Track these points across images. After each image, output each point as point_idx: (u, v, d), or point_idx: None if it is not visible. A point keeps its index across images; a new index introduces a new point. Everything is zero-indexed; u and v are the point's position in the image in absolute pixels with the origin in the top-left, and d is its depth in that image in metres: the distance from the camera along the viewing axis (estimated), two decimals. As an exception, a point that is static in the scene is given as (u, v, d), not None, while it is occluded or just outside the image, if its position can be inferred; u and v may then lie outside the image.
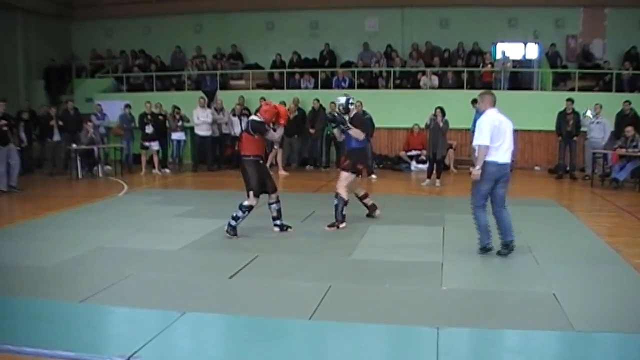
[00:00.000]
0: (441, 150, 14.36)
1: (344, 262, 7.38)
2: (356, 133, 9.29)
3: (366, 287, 6.39)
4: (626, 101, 15.63)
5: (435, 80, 18.79)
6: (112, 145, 17.71)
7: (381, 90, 18.94)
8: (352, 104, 9.64)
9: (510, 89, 18.35)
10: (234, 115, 18.05)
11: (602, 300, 5.91)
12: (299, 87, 19.44)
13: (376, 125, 16.30)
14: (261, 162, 8.82)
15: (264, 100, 17.46)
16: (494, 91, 17.62)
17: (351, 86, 18.98)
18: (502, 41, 19.67)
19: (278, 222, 9.06)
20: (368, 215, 10.01)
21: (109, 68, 21.93)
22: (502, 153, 7.35)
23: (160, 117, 17.23)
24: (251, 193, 8.61)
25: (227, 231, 8.65)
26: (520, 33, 19.82)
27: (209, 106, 17.95)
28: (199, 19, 22.13)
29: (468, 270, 6.96)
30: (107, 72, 21.74)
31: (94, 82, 21.33)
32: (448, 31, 20.47)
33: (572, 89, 17.82)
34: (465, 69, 18.79)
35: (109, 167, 17.20)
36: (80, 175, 15.76)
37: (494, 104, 7.59)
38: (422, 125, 16.62)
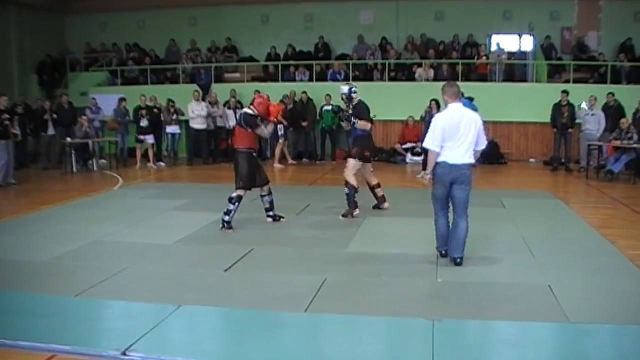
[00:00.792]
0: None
1: (340, 255, 7.38)
2: (363, 125, 9.35)
3: (362, 280, 6.39)
4: (609, 93, 15.71)
5: (431, 72, 18.77)
6: (107, 139, 17.70)
7: (376, 83, 18.92)
8: (355, 92, 9.49)
9: (505, 81, 18.37)
10: (229, 108, 18.04)
11: (598, 292, 5.92)
12: (294, 80, 19.41)
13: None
14: (254, 155, 8.85)
15: (259, 93, 17.57)
16: (490, 83, 18.03)
17: (346, 79, 18.96)
18: (497, 34, 19.65)
19: (271, 213, 9.18)
20: (375, 207, 10.04)
21: (104, 62, 21.84)
22: (457, 154, 6.71)
23: (155, 110, 17.20)
24: (240, 187, 8.72)
25: (222, 228, 8.67)
26: (516, 25, 19.79)
27: (203, 100, 17.93)
28: (194, 12, 22.05)
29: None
30: (101, 66, 21.65)
31: (88, 76, 21.23)
32: (443, 24, 20.45)
33: (567, 81, 17.82)
34: (461, 62, 18.77)
35: (104, 161, 17.17)
36: (75, 170, 15.73)
37: (458, 98, 6.92)
38: (418, 118, 16.65)
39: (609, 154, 14.53)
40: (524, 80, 18.73)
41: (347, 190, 9.36)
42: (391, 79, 19.08)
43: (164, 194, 12.08)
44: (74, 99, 18.79)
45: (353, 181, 9.33)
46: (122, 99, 17.70)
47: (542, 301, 5.66)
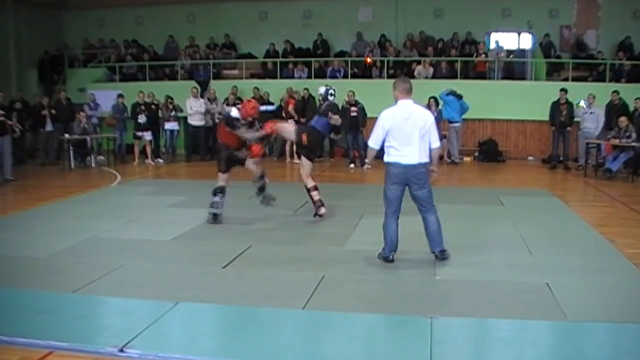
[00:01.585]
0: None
1: (338, 252, 7.38)
2: (335, 120, 9.37)
3: (359, 277, 6.39)
4: (614, 91, 15.70)
5: (430, 70, 18.76)
6: (105, 135, 17.66)
7: (375, 80, 18.90)
8: (331, 94, 9.53)
9: (504, 79, 18.36)
10: (227, 105, 17.97)
11: (595, 290, 5.93)
12: (293, 77, 19.39)
13: (369, 115, 16.28)
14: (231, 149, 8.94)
15: (257, 89, 17.58)
16: (488, 81, 18.02)
17: (345, 76, 18.97)
18: (496, 31, 19.65)
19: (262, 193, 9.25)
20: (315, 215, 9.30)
21: (102, 58, 21.81)
22: (410, 153, 6.52)
23: (153, 106, 17.17)
24: (219, 173, 8.97)
25: (208, 221, 8.81)
26: (514, 23, 19.78)
27: (202, 96, 17.90)
28: (192, 8, 22.02)
29: (461, 260, 6.96)
30: (99, 62, 21.63)
31: (86, 72, 21.22)
32: (442, 21, 20.44)
33: (566, 79, 17.84)
34: (459, 59, 18.76)
35: (101, 157, 17.14)
36: (72, 166, 15.71)
37: (406, 93, 6.71)
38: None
39: (607, 152, 14.53)
40: (522, 78, 18.72)
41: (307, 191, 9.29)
42: (390, 76, 19.03)
43: (161, 191, 12.07)
44: (72, 95, 18.77)
45: (309, 182, 9.18)
46: (120, 95, 17.67)
47: (540, 299, 5.66)
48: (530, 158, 17.91)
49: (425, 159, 6.61)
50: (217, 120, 17.95)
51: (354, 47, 20.40)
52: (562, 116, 15.72)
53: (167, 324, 5.07)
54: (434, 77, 18.53)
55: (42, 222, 9.03)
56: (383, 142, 6.72)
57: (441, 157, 16.59)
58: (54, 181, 13.77)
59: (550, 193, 11.85)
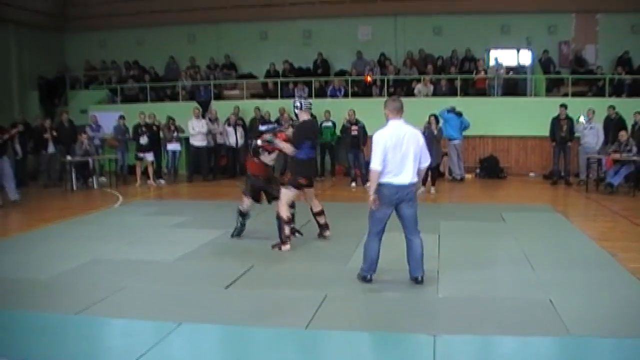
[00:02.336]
0: (436, 158, 14.37)
1: (340, 271, 7.37)
2: (285, 147, 8.52)
3: (362, 296, 6.39)
4: (610, 106, 15.76)
5: (430, 88, 18.82)
6: (106, 156, 17.72)
7: (375, 99, 18.93)
8: (298, 107, 8.46)
9: (503, 95, 18.41)
10: (229, 125, 18.06)
11: (598, 305, 5.91)
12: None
13: (370, 134, 16.33)
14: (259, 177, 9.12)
15: (258, 109, 17.61)
16: (488, 98, 18.05)
17: (345, 95, 19.04)
18: (495, 48, 19.75)
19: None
20: (319, 235, 9.20)
21: (103, 79, 21.92)
22: (404, 173, 6.46)
23: (155, 127, 17.22)
24: (244, 196, 9.21)
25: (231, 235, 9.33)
26: (513, 39, 19.88)
27: (203, 116, 17.96)
28: (192, 29, 22.14)
29: (464, 277, 6.96)
30: (101, 84, 21.73)
31: (88, 94, 21.31)
32: (441, 38, 20.53)
33: (566, 95, 17.90)
34: (459, 76, 18.83)
35: (103, 179, 17.18)
36: (75, 187, 15.73)
37: (397, 113, 6.67)
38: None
39: (608, 167, 14.54)
40: (522, 94, 18.78)
41: (278, 222, 8.46)
42: (390, 95, 19.08)
43: (163, 211, 12.08)
44: (74, 117, 18.84)
45: (283, 212, 8.39)
46: (122, 117, 17.73)
47: (543, 315, 5.65)
48: (531, 174, 17.91)
49: (416, 178, 6.60)
50: (219, 141, 18.05)
51: (354, 65, 20.48)
52: (562, 131, 15.75)
53: (170, 345, 5.07)
54: (434, 94, 18.59)
55: (44, 243, 9.04)
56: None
57: (442, 175, 16.63)
58: (56, 203, 13.79)
59: (552, 208, 11.86)
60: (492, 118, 17.57)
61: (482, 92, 18.70)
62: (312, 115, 8.92)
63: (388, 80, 19.28)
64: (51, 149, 16.78)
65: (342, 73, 20.59)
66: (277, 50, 21.17)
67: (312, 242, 9.00)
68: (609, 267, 7.38)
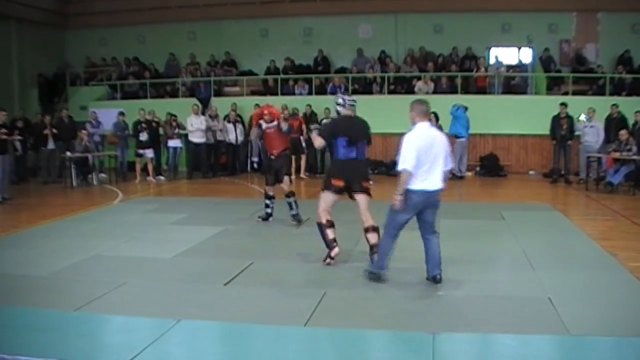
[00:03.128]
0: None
1: (339, 269, 7.36)
2: (313, 139, 8.06)
3: (361, 293, 6.38)
4: (613, 105, 15.74)
5: (431, 85, 18.81)
6: (106, 153, 17.69)
7: (375, 96, 18.96)
8: (341, 104, 7.71)
9: (504, 93, 18.41)
10: (229, 122, 18.06)
11: (598, 304, 5.91)
12: (293, 94, 19.46)
13: (371, 131, 16.34)
14: (270, 156, 10.03)
15: (258, 106, 17.61)
16: (488, 96, 18.05)
17: (345, 92, 19.00)
18: (496, 46, 19.77)
19: (292, 212, 10.01)
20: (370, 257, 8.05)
21: (103, 76, 21.91)
22: (433, 178, 6.32)
23: (154, 124, 17.21)
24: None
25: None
26: (514, 38, 19.90)
27: (203, 113, 17.95)
28: (193, 26, 22.14)
29: (463, 275, 6.95)
30: (101, 80, 21.73)
31: (88, 90, 21.31)
32: (442, 36, 20.53)
33: (566, 93, 17.91)
34: (459, 74, 18.82)
35: (103, 175, 17.17)
36: (74, 184, 15.72)
37: (424, 116, 6.42)
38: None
39: (608, 166, 14.54)
40: (523, 92, 18.77)
41: (318, 228, 7.74)
42: (390, 92, 19.12)
43: (163, 208, 12.07)
44: (74, 113, 18.84)
45: (321, 217, 7.62)
46: (122, 113, 17.72)
47: (542, 313, 5.65)
48: (531, 172, 17.91)
49: (443, 184, 6.48)
50: (219, 138, 18.04)
51: (355, 63, 20.48)
52: (562, 130, 15.74)
53: (169, 341, 5.06)
54: (434, 92, 18.57)
55: (44, 240, 9.04)
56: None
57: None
58: (55, 199, 13.78)
59: (551, 207, 11.85)
60: (492, 116, 17.57)
61: (483, 91, 18.69)
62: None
63: (388, 78, 19.27)
64: (51, 145, 16.76)
65: (342, 70, 20.60)
66: (278, 48, 21.17)
67: (311, 239, 8.97)
68: (609, 266, 7.38)
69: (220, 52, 21.69)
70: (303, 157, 17.39)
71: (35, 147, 17.05)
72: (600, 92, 17.74)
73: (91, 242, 8.72)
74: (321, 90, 19.45)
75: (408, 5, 20.43)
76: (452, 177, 16.80)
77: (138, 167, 16.90)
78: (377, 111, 17.18)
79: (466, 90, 18.58)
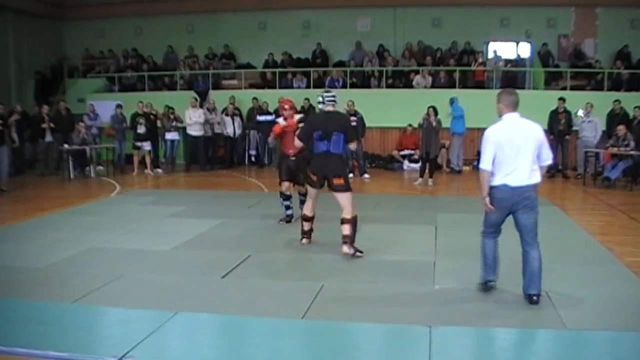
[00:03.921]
0: (434, 150, 14.39)
1: (337, 261, 7.37)
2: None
3: (359, 286, 6.38)
4: (616, 100, 15.73)
5: (429, 79, 18.80)
6: (104, 145, 17.67)
7: (373, 90, 18.95)
8: (320, 102, 7.82)
9: (502, 87, 18.34)
10: (227, 115, 18.05)
11: (595, 299, 5.92)
12: (292, 87, 19.43)
13: (368, 125, 16.36)
14: (288, 158, 9.34)
15: (256, 99, 17.56)
16: (487, 90, 18.05)
17: (344, 86, 19.01)
18: (495, 40, 19.77)
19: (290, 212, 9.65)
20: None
21: (101, 68, 21.87)
22: (519, 173, 5.70)
23: (152, 117, 17.19)
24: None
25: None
26: (513, 32, 19.90)
27: (201, 106, 17.93)
28: (191, 19, 22.11)
29: (460, 269, 6.96)
30: (99, 73, 21.69)
31: (86, 83, 21.28)
32: (440, 31, 20.53)
33: (564, 88, 17.90)
34: (458, 69, 18.81)
35: (101, 168, 17.16)
36: (72, 176, 15.70)
37: (514, 107, 5.92)
38: (416, 125, 16.68)
39: (606, 161, 14.56)
40: (521, 87, 18.76)
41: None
42: (388, 86, 19.11)
43: (161, 201, 12.07)
44: (71, 105, 18.81)
45: (306, 209, 8.14)
46: (119, 106, 17.70)
47: (540, 308, 5.65)
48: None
49: (536, 180, 5.78)
50: (216, 131, 18.02)
51: (353, 57, 20.46)
52: (560, 125, 15.75)
53: (166, 334, 5.07)
54: (432, 86, 18.59)
55: (41, 232, 9.03)
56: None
57: (440, 167, 16.64)
58: (53, 192, 13.76)
59: (549, 202, 11.84)
60: (490, 110, 17.20)
61: (481, 85, 18.68)
62: (356, 112, 8.23)
63: (387, 72, 19.26)
64: (48, 137, 16.72)
65: (341, 64, 20.57)
66: (276, 41, 21.17)
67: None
68: (606, 261, 7.40)
69: (219, 45, 21.66)
70: None
71: (33, 139, 17.03)
72: (599, 87, 17.75)
73: (89, 235, 8.72)
74: (319, 84, 19.40)
75: (407, -1, 20.44)
76: (450, 171, 16.87)
77: (136, 159, 16.88)
78: (375, 105, 17.26)
79: (464, 85, 18.58)
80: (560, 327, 5.17)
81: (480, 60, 19.04)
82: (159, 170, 17.17)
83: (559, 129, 15.74)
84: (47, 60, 22.18)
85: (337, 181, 7.57)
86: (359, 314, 5.52)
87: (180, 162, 18.29)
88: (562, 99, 15.85)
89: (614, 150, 13.98)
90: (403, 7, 20.68)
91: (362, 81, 19.56)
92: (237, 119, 18.12)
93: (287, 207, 9.64)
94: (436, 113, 14.41)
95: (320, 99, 7.81)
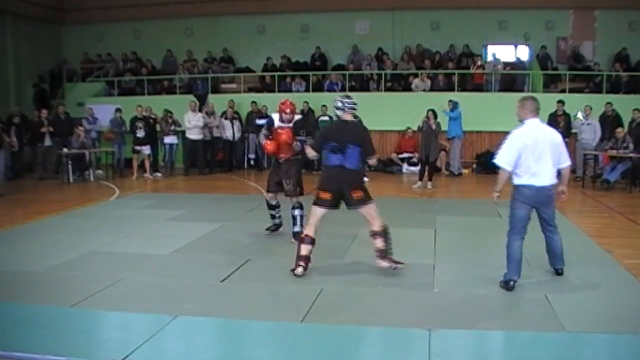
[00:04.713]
0: (433, 153, 14.39)
1: (336, 265, 7.37)
2: (306, 150, 7.45)
3: (358, 290, 6.38)
4: (607, 103, 15.76)
5: (428, 82, 18.81)
6: (103, 149, 17.68)
7: (372, 93, 18.96)
8: (340, 108, 7.15)
9: (501, 90, 18.41)
10: (226, 118, 18.05)
11: (594, 301, 5.93)
12: (290, 91, 19.41)
13: (368, 129, 16.35)
14: (278, 160, 8.70)
15: (255, 103, 17.54)
16: (485, 93, 18.04)
17: (342, 89, 19.01)
18: (493, 43, 19.80)
19: (294, 228, 8.61)
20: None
21: (100, 72, 21.88)
22: (543, 174, 6.26)
23: (151, 120, 17.21)
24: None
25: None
26: (511, 35, 19.93)
27: (200, 110, 17.93)
28: (190, 22, 22.12)
29: (460, 272, 6.96)
30: (98, 76, 21.69)
31: (85, 87, 21.27)
32: (439, 34, 20.56)
33: (563, 91, 17.91)
34: (456, 72, 18.82)
35: (100, 172, 17.14)
36: (71, 180, 15.70)
37: (535, 113, 6.39)
38: (415, 128, 16.69)
39: (605, 163, 14.57)
40: (519, 89, 18.77)
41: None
42: (387, 89, 19.13)
43: (160, 204, 12.05)
44: (71, 109, 18.80)
45: (305, 227, 7.29)
46: (118, 109, 17.72)
47: (538, 311, 5.66)
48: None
49: (555, 180, 6.42)
50: (215, 135, 18.03)
51: (351, 60, 20.48)
52: (559, 128, 15.69)
53: (165, 337, 5.06)
54: (431, 89, 18.59)
55: (40, 236, 9.03)
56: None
57: (439, 170, 16.63)
58: (52, 195, 13.76)
59: (548, 204, 11.85)
60: (489, 113, 17.55)
61: (480, 88, 18.71)
62: (355, 116, 7.43)
63: (385, 75, 19.28)
64: (47, 141, 16.72)
65: (339, 67, 20.58)
66: (275, 44, 21.20)
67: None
68: (605, 263, 7.40)
69: (218, 48, 21.68)
70: None
71: (32, 143, 17.02)
72: (597, 89, 17.75)
73: (88, 238, 8.71)
74: (318, 87, 19.45)
75: (405, 2, 20.46)
76: (450, 174, 16.87)
77: (135, 163, 16.88)
78: (373, 108, 17.22)
79: (463, 88, 18.58)
80: (560, 330, 5.17)
81: (479, 63, 19.08)
82: (158, 174, 17.17)
83: (558, 131, 15.66)
84: (46, 64, 22.17)
85: (357, 195, 6.86)
86: (358, 318, 5.52)
87: (180, 165, 18.28)
88: (561, 102, 15.86)
89: (613, 152, 13.99)
90: (401, 10, 20.70)
91: (361, 84, 19.56)
92: (236, 123, 18.12)
93: (273, 217, 9.11)
94: (435, 116, 14.41)
95: (340, 104, 7.09)
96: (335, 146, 6.88)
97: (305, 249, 6.97)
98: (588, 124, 15.67)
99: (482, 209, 11.22)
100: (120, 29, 22.41)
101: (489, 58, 19.49)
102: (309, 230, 7.03)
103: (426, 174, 14.37)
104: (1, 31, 20.54)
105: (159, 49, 21.80)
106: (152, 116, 17.40)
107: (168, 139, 17.51)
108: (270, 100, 18.18)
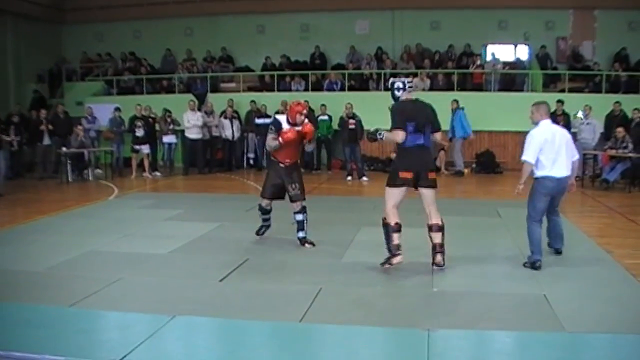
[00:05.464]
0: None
1: (335, 265, 7.36)
2: (394, 135, 7.03)
3: (357, 290, 6.37)
4: (616, 102, 15.72)
5: (428, 82, 18.80)
6: (102, 148, 17.67)
7: (372, 93, 18.94)
8: (400, 88, 7.16)
9: (500, 90, 18.41)
10: (225, 118, 18.04)
11: (594, 301, 5.92)
12: (290, 90, 19.41)
13: (366, 128, 16.34)
14: (280, 165, 8.27)
15: (254, 102, 17.53)
16: (485, 93, 18.04)
17: (342, 89, 19.02)
18: (493, 43, 19.78)
19: (300, 234, 8.35)
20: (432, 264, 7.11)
21: (100, 71, 21.87)
22: (559, 167, 7.09)
23: (150, 120, 17.20)
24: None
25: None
26: (511, 35, 19.91)
27: (199, 109, 17.92)
28: (190, 22, 22.11)
29: (459, 272, 6.95)
30: (97, 76, 21.68)
31: (84, 86, 21.25)
32: (439, 33, 20.54)
33: (563, 91, 17.90)
34: (456, 71, 18.81)
35: (99, 171, 17.13)
36: (70, 179, 15.69)
37: (548, 115, 7.45)
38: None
39: (605, 163, 14.56)
40: (519, 89, 18.78)
41: (383, 229, 7.18)
42: (387, 89, 19.05)
43: (159, 204, 12.05)
44: (70, 109, 18.78)
45: (389, 216, 7.13)
46: (118, 109, 17.71)
47: (538, 310, 5.65)
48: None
49: (570, 172, 7.23)
50: (214, 134, 18.02)
51: (351, 59, 20.47)
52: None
53: (164, 337, 5.05)
54: (431, 89, 18.56)
55: (39, 235, 9.01)
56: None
57: (438, 170, 16.62)
58: (51, 195, 13.75)
59: (547, 204, 11.85)
60: (488, 113, 17.55)
61: (479, 87, 18.71)
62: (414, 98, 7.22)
63: (385, 75, 19.25)
64: (47, 140, 16.73)
65: (339, 67, 20.57)
66: (275, 44, 21.18)
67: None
68: (604, 263, 7.39)
69: (217, 48, 21.67)
70: None
71: (31, 142, 17.01)
72: (597, 89, 17.75)
73: (87, 238, 8.70)
74: (317, 87, 19.44)
75: (405, 2, 20.44)
76: (455, 173, 16.87)
77: (134, 162, 16.87)
78: (373, 108, 17.20)
79: (462, 87, 18.57)
80: (559, 330, 5.16)
81: (478, 62, 19.08)
82: (157, 174, 17.16)
83: (558, 131, 15.73)
84: (46, 64, 22.16)
85: (432, 175, 7.17)
86: (357, 318, 5.51)
87: (179, 165, 18.27)
88: (560, 102, 15.87)
89: (613, 152, 13.99)
90: (401, 9, 20.68)
91: (361, 84, 19.56)
92: (236, 122, 18.11)
93: (264, 220, 8.75)
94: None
95: (401, 84, 7.04)
96: (415, 125, 6.89)
97: (397, 237, 7.01)
98: (587, 123, 15.66)
99: (482, 209, 11.23)
100: (119, 29, 22.39)
101: (489, 58, 19.47)
102: (394, 217, 7.10)
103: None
104: (1, 31, 20.52)
105: (158, 48, 21.77)
106: (152, 115, 17.39)
107: (167, 139, 17.50)
108: (269, 100, 18.20)
